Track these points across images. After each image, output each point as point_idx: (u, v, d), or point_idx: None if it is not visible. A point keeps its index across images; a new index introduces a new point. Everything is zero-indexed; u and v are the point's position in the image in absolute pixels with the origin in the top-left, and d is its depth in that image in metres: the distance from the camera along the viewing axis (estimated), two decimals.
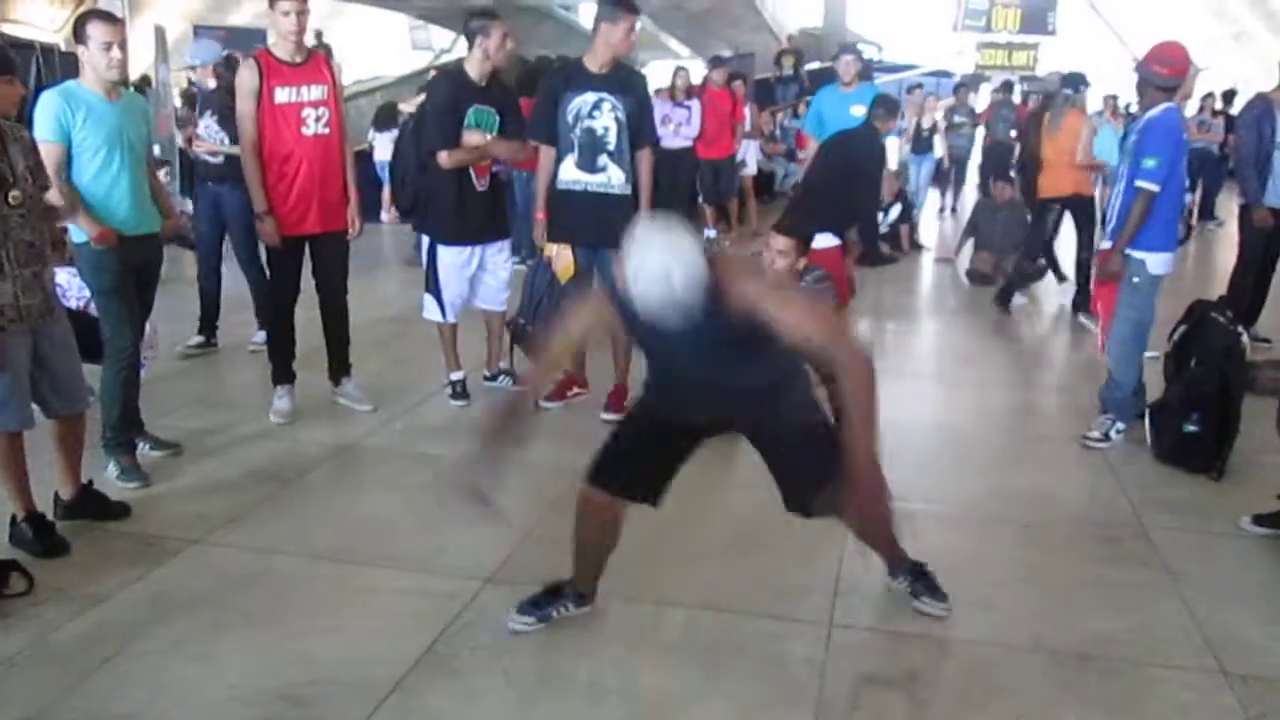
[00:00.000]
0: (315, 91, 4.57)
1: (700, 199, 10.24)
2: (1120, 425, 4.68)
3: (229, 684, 2.70)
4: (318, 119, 4.58)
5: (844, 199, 5.71)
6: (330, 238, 4.74)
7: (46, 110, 3.83)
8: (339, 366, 5.01)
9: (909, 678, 2.79)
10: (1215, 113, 13.01)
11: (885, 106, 6.20)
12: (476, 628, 3.00)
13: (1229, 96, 13.55)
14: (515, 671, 2.79)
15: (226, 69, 5.87)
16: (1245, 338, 4.52)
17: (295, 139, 4.55)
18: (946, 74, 18.85)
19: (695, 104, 9.74)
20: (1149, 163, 4.42)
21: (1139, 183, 4.43)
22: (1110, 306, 4.69)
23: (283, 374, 4.87)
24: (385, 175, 11.67)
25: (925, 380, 6.13)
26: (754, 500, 3.77)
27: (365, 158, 11.45)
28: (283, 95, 4.52)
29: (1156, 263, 4.52)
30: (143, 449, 4.25)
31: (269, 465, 4.29)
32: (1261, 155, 6.20)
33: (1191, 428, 4.32)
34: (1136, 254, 4.50)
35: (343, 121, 4.71)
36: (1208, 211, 12.97)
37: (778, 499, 4.02)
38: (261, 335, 5.58)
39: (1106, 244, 4.70)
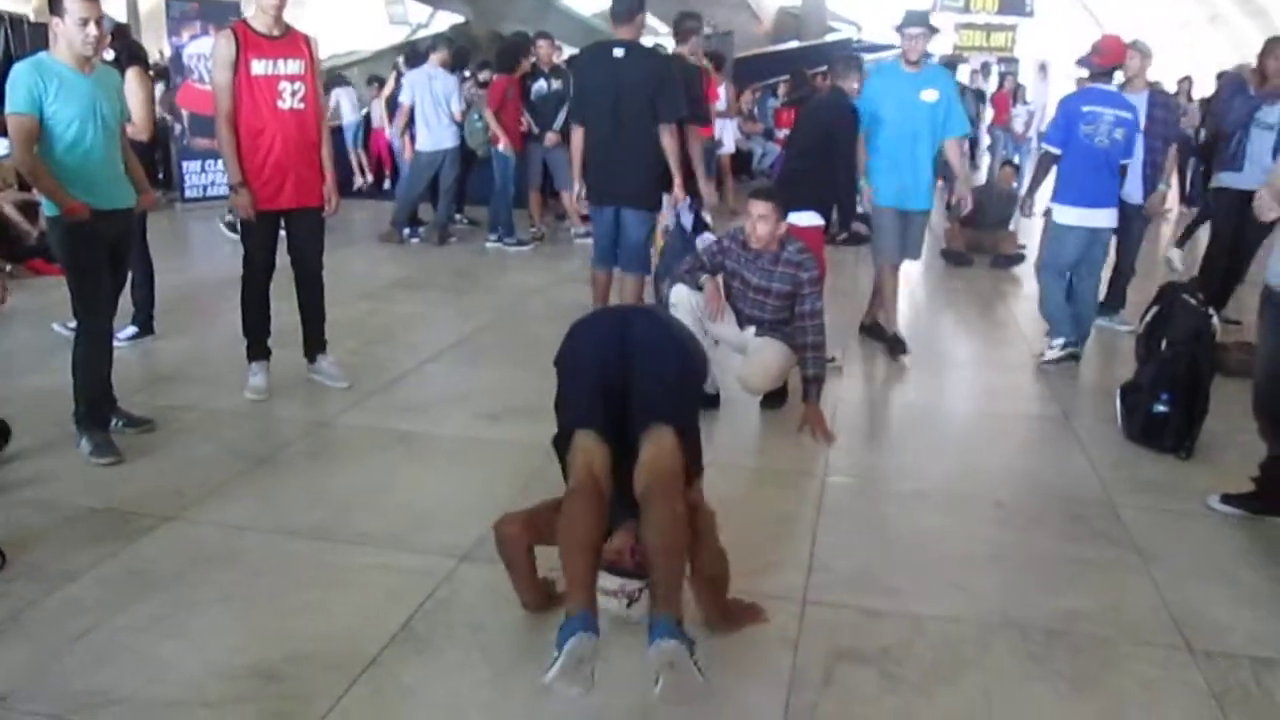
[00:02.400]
0: (292, 66, 4.54)
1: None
2: (1057, 340, 5.69)
3: (205, 660, 2.70)
4: (294, 93, 4.55)
5: (824, 172, 5.54)
6: (305, 213, 4.72)
7: (18, 82, 3.78)
8: (314, 343, 4.99)
9: (880, 653, 2.82)
10: (1191, 97, 13.06)
11: (844, 62, 5.95)
12: (452, 605, 3.01)
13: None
14: (490, 648, 2.80)
15: (116, 36, 5.75)
16: (1215, 320, 4.58)
17: (271, 112, 4.52)
18: (926, 55, 18.86)
19: None
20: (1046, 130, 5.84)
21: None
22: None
23: (258, 350, 4.85)
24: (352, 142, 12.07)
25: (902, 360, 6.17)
26: (727, 479, 3.80)
27: (335, 133, 11.63)
28: (259, 68, 4.49)
29: (1059, 213, 5.67)
30: (116, 425, 4.22)
31: (244, 442, 4.28)
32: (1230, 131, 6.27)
33: (1161, 408, 4.39)
34: (1051, 204, 5.73)
35: (319, 98, 4.69)
36: (1189, 197, 13.03)
37: (749, 477, 4.08)
38: (130, 330, 5.63)
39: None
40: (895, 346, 5.92)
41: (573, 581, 2.46)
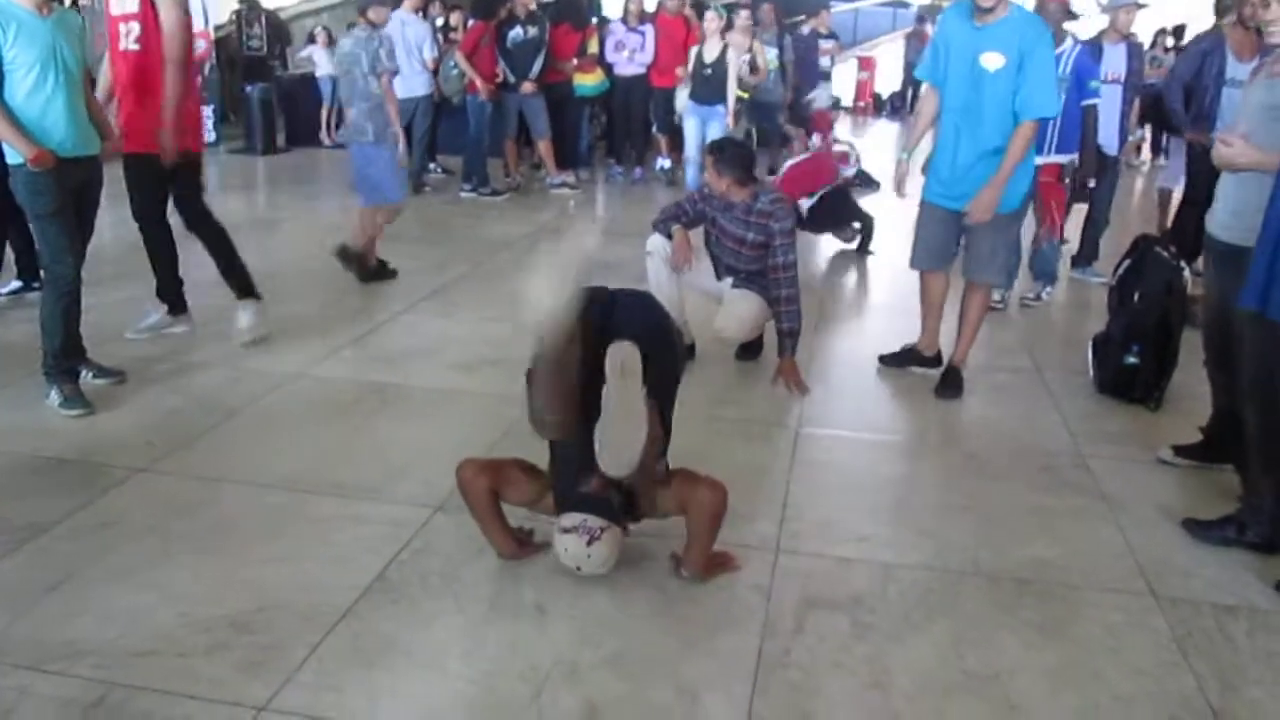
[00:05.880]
0: (129, 4, 4.39)
1: (654, 128, 10.12)
2: (1050, 288, 6.18)
3: (178, 611, 2.70)
4: (127, 34, 4.41)
5: None
6: (181, 161, 4.51)
7: None
8: (233, 287, 4.86)
9: (852, 601, 2.85)
10: (1167, 49, 13.03)
11: None
12: (427, 554, 3.02)
13: (1179, 32, 13.55)
14: (465, 597, 2.81)
15: None
16: (1187, 272, 4.61)
17: (116, 54, 4.47)
18: (904, 5, 18.72)
19: (649, 29, 9.56)
20: (1094, 84, 5.70)
21: (1089, 101, 5.64)
22: (1059, 204, 5.87)
23: (176, 306, 4.86)
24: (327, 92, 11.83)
25: (876, 311, 6.20)
26: (701, 430, 3.81)
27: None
28: (114, 7, 4.44)
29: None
30: (85, 377, 4.18)
31: (215, 394, 4.25)
32: (1200, 88, 6.26)
33: (1132, 360, 4.43)
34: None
35: (165, 41, 4.30)
36: (1161, 148, 13.02)
37: (723, 428, 4.09)
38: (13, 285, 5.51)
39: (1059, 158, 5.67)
40: (944, 379, 4.57)
41: None
